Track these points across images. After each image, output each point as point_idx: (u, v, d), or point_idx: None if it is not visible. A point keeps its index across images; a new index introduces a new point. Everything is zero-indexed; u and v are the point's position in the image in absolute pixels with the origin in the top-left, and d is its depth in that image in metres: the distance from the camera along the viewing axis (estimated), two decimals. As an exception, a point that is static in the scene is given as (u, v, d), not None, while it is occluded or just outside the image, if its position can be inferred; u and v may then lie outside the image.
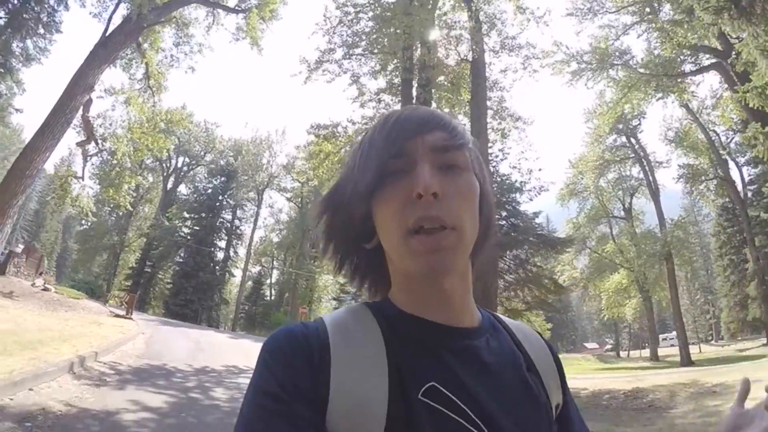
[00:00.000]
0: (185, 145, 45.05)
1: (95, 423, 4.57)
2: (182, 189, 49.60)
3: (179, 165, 48.27)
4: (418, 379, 0.60)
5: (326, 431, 0.57)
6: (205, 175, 47.88)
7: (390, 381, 0.59)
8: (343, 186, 0.70)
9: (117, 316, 17.99)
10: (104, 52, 16.72)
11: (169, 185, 47.50)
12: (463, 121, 10.91)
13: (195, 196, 46.49)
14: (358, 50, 15.21)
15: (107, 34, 16.87)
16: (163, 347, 11.95)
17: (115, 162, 20.04)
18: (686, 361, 26.30)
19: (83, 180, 19.58)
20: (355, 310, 0.70)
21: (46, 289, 18.76)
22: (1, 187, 14.46)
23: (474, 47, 13.36)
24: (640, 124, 33.35)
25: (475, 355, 0.66)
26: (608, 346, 60.55)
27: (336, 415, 0.57)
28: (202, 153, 48.07)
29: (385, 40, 14.42)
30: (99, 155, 20.48)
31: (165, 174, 47.01)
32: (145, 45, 19.67)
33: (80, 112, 16.84)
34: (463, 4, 14.50)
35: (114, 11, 17.57)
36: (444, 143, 0.67)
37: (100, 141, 19.11)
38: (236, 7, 21.13)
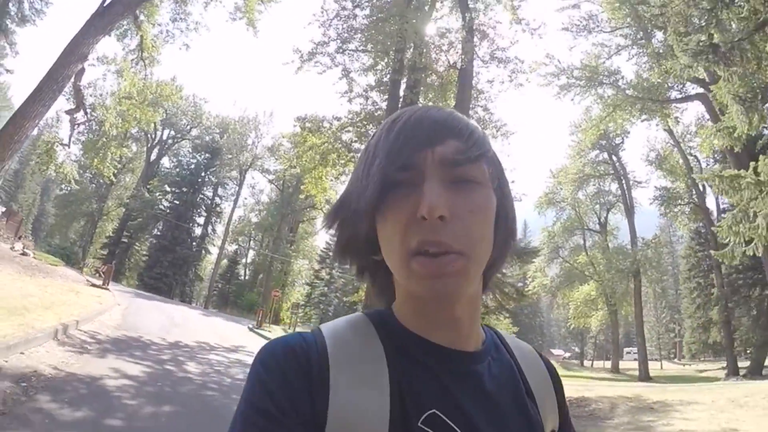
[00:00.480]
0: (172, 118, 44.83)
1: (82, 386, 5.14)
2: (165, 162, 49.62)
3: (164, 137, 48.23)
4: (420, 405, 0.59)
5: None
6: (190, 150, 47.96)
7: (391, 404, 0.58)
8: (347, 198, 0.67)
9: (94, 285, 18.32)
10: (101, 22, 16.85)
11: (153, 157, 47.37)
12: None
13: (178, 170, 46.58)
14: (352, 46, 15.71)
15: (106, 3, 17.07)
16: (138, 320, 12.47)
17: (102, 131, 20.25)
18: (644, 376, 27.52)
19: (69, 147, 19.84)
20: (356, 323, 0.68)
21: (24, 254, 18.99)
22: (-11, 152, 14.71)
23: (464, 56, 13.89)
24: (622, 142, 34.40)
25: (477, 381, 0.65)
26: (567, 354, 62.26)
27: None
28: (188, 127, 48.10)
29: (379, 37, 14.97)
30: (86, 124, 20.70)
31: (149, 145, 46.89)
32: (142, 17, 19.85)
33: (72, 80, 17.08)
34: (458, 12, 15.11)
35: None
36: (457, 156, 0.61)
37: (89, 110, 19.36)
38: None
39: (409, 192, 0.59)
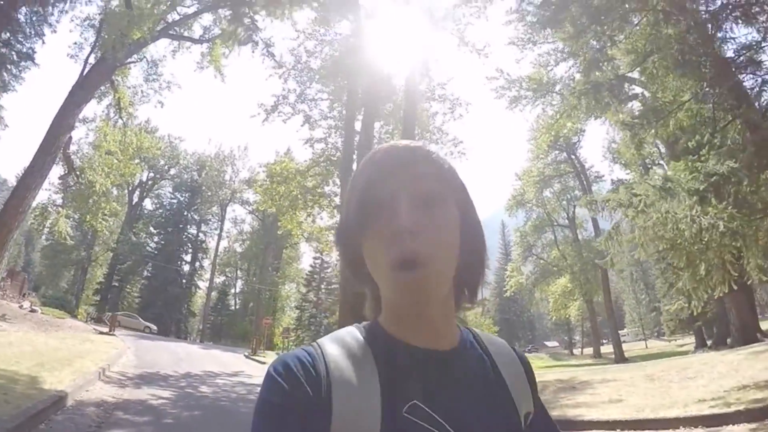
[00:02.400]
0: (150, 159, 46.63)
1: (138, 405, 7.65)
2: (147, 203, 51.72)
3: (144, 179, 49.90)
4: (403, 398, 0.68)
5: None
6: (170, 190, 50.32)
7: (382, 399, 0.67)
8: (343, 224, 0.80)
9: (101, 333, 20.69)
10: (82, 93, 18.69)
11: (135, 199, 49.40)
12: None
13: (161, 211, 49.06)
14: (310, 93, 18.30)
15: (84, 74, 19.13)
16: (150, 359, 14.94)
17: (91, 191, 22.40)
18: (620, 358, 30.13)
19: (63, 209, 22.19)
20: (348, 335, 0.77)
21: (33, 311, 21.28)
22: (-2, 224, 16.94)
23: (408, 97, 16.06)
24: (579, 141, 36.85)
25: (453, 374, 0.75)
26: (557, 345, 65.01)
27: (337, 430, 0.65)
28: (167, 167, 50.07)
29: (331, 85, 17.56)
30: (76, 185, 22.89)
31: (130, 188, 48.37)
32: (118, 79, 22.11)
33: (62, 149, 19.31)
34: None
35: (90, 53, 19.62)
36: (421, 178, 0.73)
37: (79, 174, 21.63)
38: (201, 38, 22.87)
39: (384, 215, 0.71)
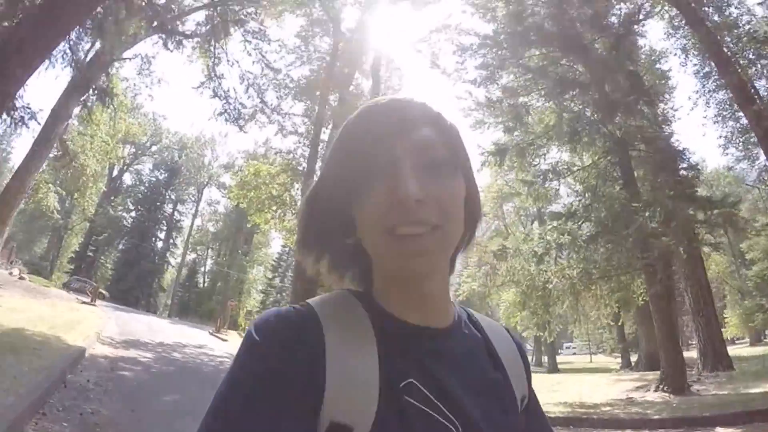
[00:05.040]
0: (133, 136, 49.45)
1: (131, 360, 11.10)
2: (127, 178, 54.63)
3: (125, 153, 52.49)
4: (398, 376, 0.65)
5: (319, 419, 0.60)
6: (150, 167, 53.43)
7: (380, 372, 0.63)
8: (323, 185, 0.74)
9: (84, 303, 23.70)
10: (80, 85, 20.72)
11: (114, 173, 51.95)
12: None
13: (140, 187, 52.10)
14: (285, 106, 21.63)
15: (83, 63, 20.54)
16: (129, 329, 18.27)
17: (83, 173, 25.32)
18: (552, 368, 34.69)
19: (57, 188, 25.27)
20: (342, 297, 0.73)
21: (22, 278, 23.95)
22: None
23: None
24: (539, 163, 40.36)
25: (449, 353, 0.72)
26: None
27: (331, 403, 0.60)
28: (149, 144, 52.53)
29: (307, 102, 20.94)
30: (69, 167, 25.84)
31: (110, 161, 51.07)
32: (113, 72, 24.87)
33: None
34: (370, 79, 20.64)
35: (88, 50, 21.34)
36: (428, 141, 0.68)
37: (72, 158, 24.62)
38: (192, 33, 23.67)
39: (384, 177, 0.66)
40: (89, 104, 22.40)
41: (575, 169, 15.66)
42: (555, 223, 13.84)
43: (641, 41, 20.17)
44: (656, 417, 8.90)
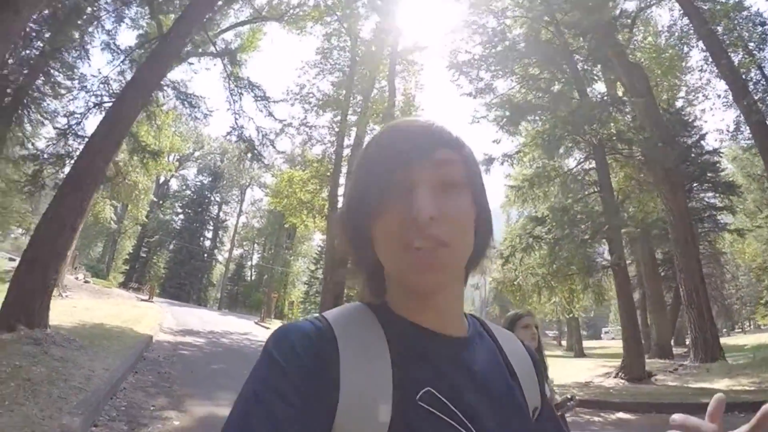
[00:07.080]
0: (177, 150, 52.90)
1: (188, 344, 14.34)
2: (173, 183, 58.72)
3: (170, 160, 56.47)
4: (416, 384, 0.67)
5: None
6: (195, 172, 57.37)
7: (393, 384, 0.65)
8: (351, 202, 0.78)
9: (142, 300, 27.02)
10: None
11: (161, 179, 55.81)
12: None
13: (186, 191, 56.33)
14: (310, 119, 24.36)
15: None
16: (184, 320, 21.69)
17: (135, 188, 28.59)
18: (579, 353, 35.76)
19: (109, 201, 28.63)
20: (356, 310, 0.77)
21: (86, 282, 26.99)
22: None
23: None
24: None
25: (466, 362, 0.74)
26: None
27: (344, 417, 0.62)
28: (192, 150, 55.24)
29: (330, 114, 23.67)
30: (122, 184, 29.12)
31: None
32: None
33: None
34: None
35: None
36: (443, 162, 0.72)
37: (125, 176, 27.95)
38: (224, 50, 25.02)
39: (401, 196, 0.70)
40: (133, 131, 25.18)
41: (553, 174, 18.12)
42: (518, 227, 16.78)
43: (643, 34, 22.04)
44: (585, 398, 10.48)
